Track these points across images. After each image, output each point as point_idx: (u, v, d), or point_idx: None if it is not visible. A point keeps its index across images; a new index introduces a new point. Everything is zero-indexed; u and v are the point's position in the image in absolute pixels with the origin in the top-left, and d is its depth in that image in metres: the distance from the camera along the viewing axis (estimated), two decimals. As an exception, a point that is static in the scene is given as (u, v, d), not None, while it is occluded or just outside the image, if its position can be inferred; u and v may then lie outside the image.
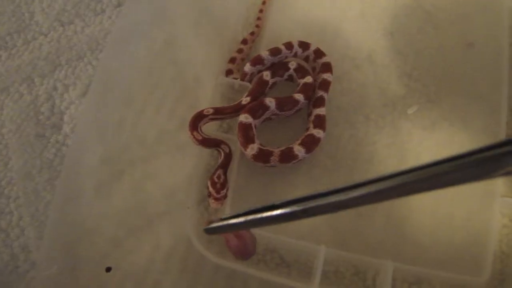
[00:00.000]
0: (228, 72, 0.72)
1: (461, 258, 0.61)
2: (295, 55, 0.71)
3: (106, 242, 0.60)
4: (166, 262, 0.61)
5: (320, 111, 0.66)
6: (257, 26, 0.76)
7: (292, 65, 0.69)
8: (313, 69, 0.71)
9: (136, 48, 0.69)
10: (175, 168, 0.66)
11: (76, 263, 0.57)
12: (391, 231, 0.63)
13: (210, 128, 0.67)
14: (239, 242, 0.52)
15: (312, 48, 0.70)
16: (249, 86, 0.69)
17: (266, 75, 0.68)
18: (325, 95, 0.67)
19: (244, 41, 0.74)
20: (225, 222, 0.43)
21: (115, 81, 0.67)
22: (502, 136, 0.65)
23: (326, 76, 0.68)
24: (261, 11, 0.77)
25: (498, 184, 0.64)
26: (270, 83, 0.68)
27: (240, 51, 0.74)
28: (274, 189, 0.65)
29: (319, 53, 0.70)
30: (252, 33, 0.75)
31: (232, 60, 0.73)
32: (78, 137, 0.66)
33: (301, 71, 0.69)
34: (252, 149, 0.61)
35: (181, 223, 0.62)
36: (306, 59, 0.71)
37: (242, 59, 0.74)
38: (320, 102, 0.67)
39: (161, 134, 0.67)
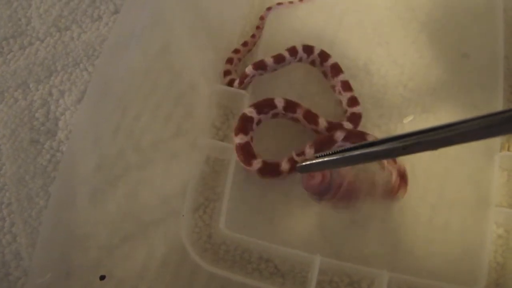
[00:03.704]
0: (226, 73, 0.71)
1: (456, 268, 0.61)
2: (300, 60, 0.70)
3: (100, 249, 0.59)
4: (160, 270, 0.60)
5: (357, 109, 0.66)
6: (258, 27, 0.76)
7: (280, 102, 0.65)
8: (324, 73, 0.71)
9: (132, 55, 0.69)
10: (170, 175, 0.66)
11: (70, 271, 0.57)
12: (386, 241, 0.63)
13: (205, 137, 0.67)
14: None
15: (316, 51, 0.69)
16: (245, 93, 0.69)
17: (250, 112, 0.64)
18: (354, 94, 0.67)
19: (245, 43, 0.74)
20: (321, 160, 0.43)
21: (111, 88, 0.67)
22: (497, 145, 0.66)
23: (341, 78, 0.68)
24: (261, 18, 0.77)
25: (492, 193, 0.64)
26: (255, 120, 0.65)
27: (237, 51, 0.74)
28: (268, 199, 0.65)
29: (324, 56, 0.69)
30: (253, 36, 0.75)
31: (230, 61, 0.73)
32: (73, 143, 0.66)
33: (290, 106, 0.65)
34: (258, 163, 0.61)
35: (176, 230, 0.62)
36: (313, 63, 0.71)
37: (239, 59, 0.74)
38: (353, 101, 0.67)
39: (157, 140, 0.66)
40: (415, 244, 0.62)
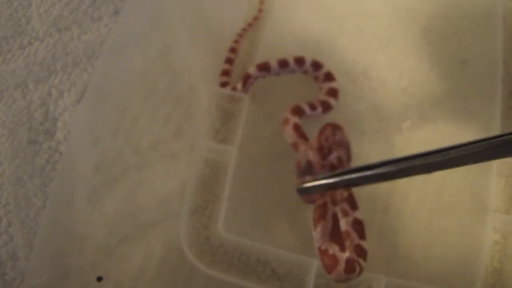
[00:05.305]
0: (224, 84, 0.71)
1: (453, 273, 0.61)
2: (305, 73, 0.70)
3: (98, 250, 0.59)
4: (157, 271, 0.60)
5: None
6: (249, 24, 0.76)
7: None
8: (320, 89, 0.70)
9: (132, 56, 0.69)
10: (169, 177, 0.66)
11: (67, 271, 0.56)
12: (384, 245, 0.63)
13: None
14: None
15: (324, 70, 0.69)
16: (244, 96, 0.68)
17: None
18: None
19: (232, 49, 0.74)
20: (319, 182, 0.46)
21: (110, 89, 0.67)
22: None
23: (330, 99, 0.68)
24: (256, 18, 0.77)
25: (490, 199, 0.64)
26: None
27: (230, 61, 0.73)
28: (266, 201, 0.65)
29: (329, 77, 0.69)
30: (236, 41, 0.75)
31: (226, 73, 0.72)
32: (72, 144, 0.66)
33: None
34: None
35: (174, 232, 0.61)
36: (316, 79, 0.71)
37: (232, 70, 0.74)
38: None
39: (156, 142, 0.66)
40: (413, 248, 0.62)
